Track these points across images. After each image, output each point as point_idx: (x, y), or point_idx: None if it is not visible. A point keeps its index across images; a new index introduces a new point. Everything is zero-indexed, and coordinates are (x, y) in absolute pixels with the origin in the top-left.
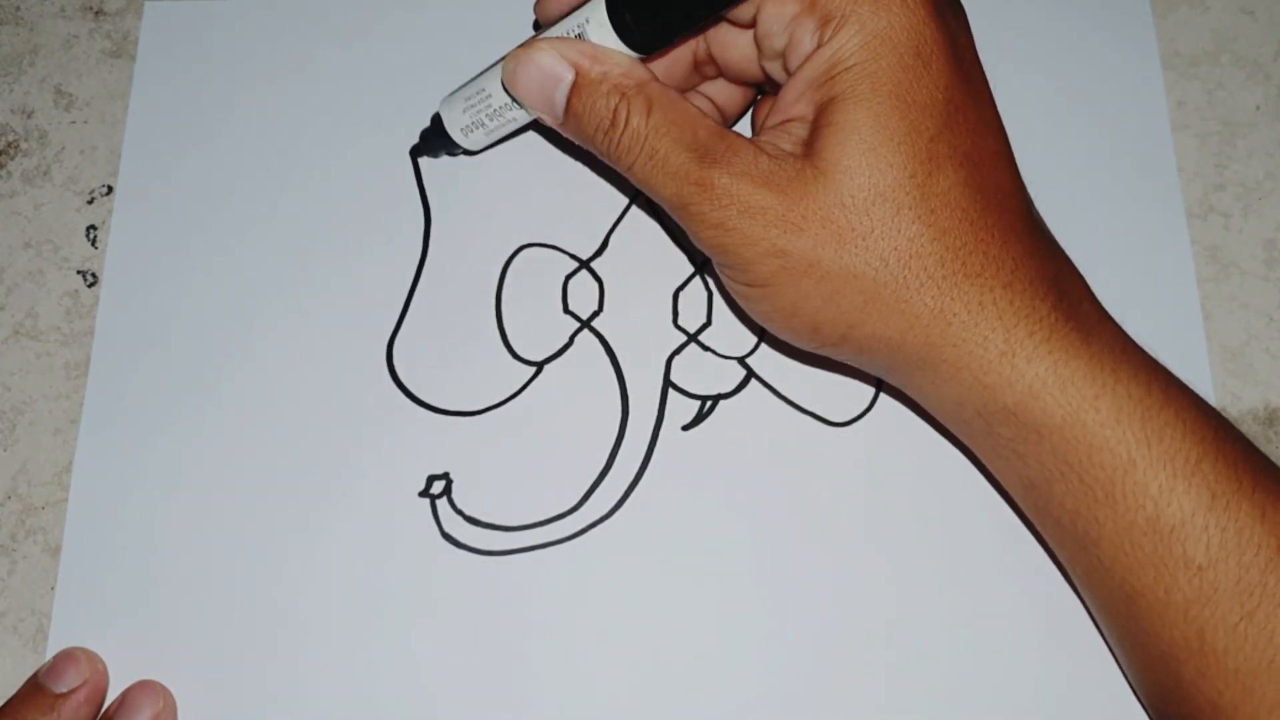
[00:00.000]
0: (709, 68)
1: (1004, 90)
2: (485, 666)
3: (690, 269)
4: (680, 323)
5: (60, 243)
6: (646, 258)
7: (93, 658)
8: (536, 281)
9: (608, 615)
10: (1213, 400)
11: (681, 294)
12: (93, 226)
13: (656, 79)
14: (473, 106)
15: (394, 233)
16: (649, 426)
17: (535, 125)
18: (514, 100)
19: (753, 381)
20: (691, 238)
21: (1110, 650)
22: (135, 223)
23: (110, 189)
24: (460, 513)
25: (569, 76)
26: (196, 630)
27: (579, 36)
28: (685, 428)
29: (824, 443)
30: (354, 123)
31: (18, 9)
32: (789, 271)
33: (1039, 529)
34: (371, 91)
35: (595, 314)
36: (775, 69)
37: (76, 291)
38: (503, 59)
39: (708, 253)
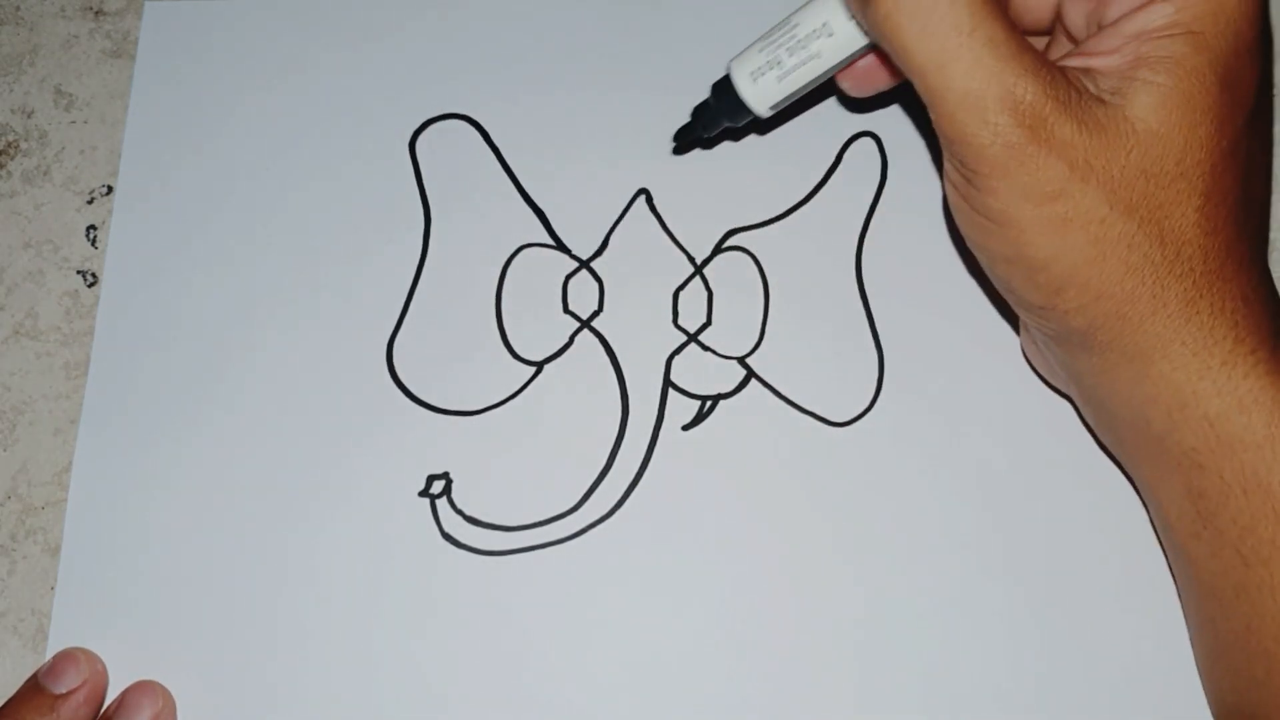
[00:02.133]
0: None
1: None
2: (485, 666)
3: (690, 269)
4: (680, 323)
5: (60, 243)
6: (646, 258)
7: (92, 658)
8: (536, 281)
9: (607, 615)
10: None
11: (681, 294)
12: (93, 226)
13: None
14: (771, 42)
15: (394, 233)
16: (649, 426)
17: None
18: (813, 31)
19: (753, 381)
20: (966, 147)
21: (1197, 662)
22: (135, 223)
23: (110, 189)
24: (460, 513)
25: None
26: (196, 630)
27: None
28: (685, 428)
29: (824, 443)
30: (354, 122)
31: (18, 9)
32: (1066, 219)
33: (1181, 533)
34: (371, 91)
35: (595, 314)
36: (1077, 12)
37: (76, 291)
38: None
39: (975, 175)
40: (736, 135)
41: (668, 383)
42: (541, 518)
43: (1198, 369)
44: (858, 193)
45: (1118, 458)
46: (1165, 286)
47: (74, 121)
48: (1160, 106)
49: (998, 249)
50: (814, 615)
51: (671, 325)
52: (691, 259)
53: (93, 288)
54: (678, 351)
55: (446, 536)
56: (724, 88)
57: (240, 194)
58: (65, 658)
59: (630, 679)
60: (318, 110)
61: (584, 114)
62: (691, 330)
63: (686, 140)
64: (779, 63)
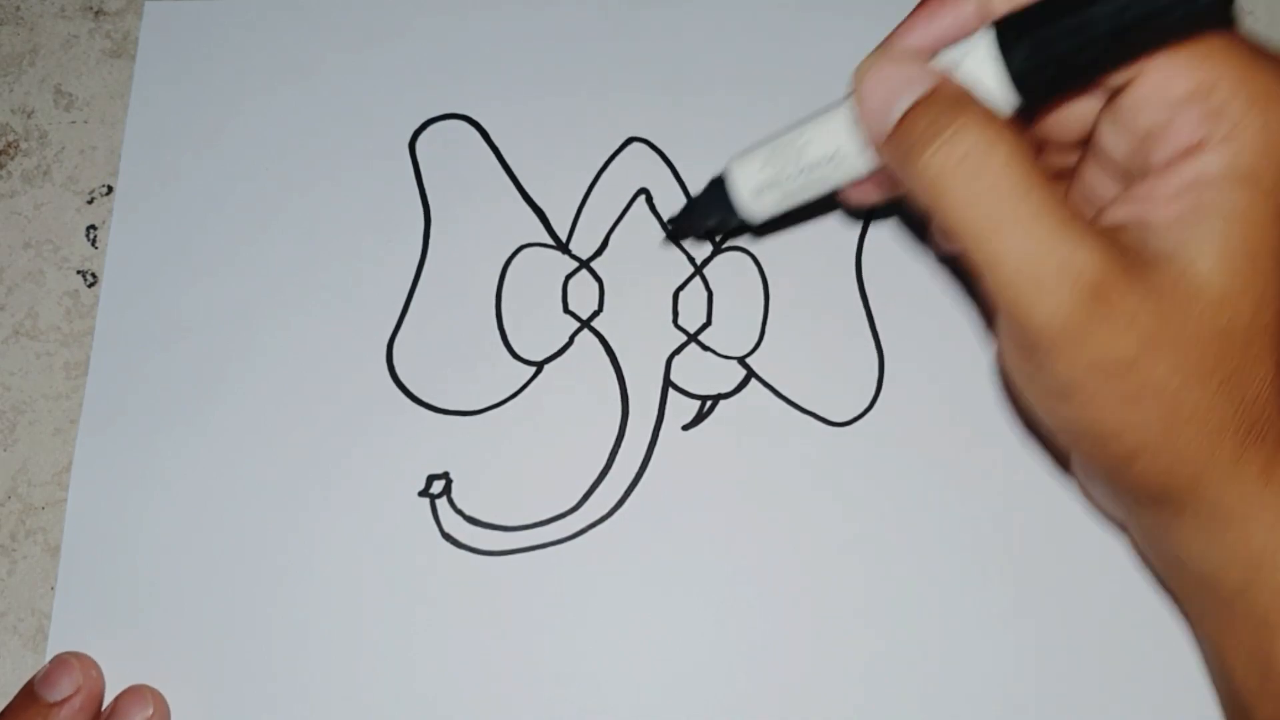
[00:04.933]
0: None
1: None
2: (485, 666)
3: (690, 269)
4: (680, 323)
5: (60, 243)
6: (646, 258)
7: (87, 664)
8: (536, 281)
9: (607, 615)
10: None
11: (681, 294)
12: (93, 226)
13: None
14: (777, 159)
15: (394, 233)
16: (649, 426)
17: (824, 204)
18: (824, 156)
19: (753, 381)
20: (1021, 328)
21: None
22: (135, 223)
23: (110, 189)
24: (460, 513)
25: (925, 84)
26: (197, 629)
27: None
28: (685, 428)
29: (824, 443)
30: (354, 122)
31: (18, 9)
32: (1138, 392)
33: (1247, 692)
34: (371, 91)
35: (595, 314)
36: (1123, 143)
37: (76, 291)
38: (827, 107)
39: (1035, 350)
40: (732, 232)
41: (668, 383)
42: (541, 518)
43: (1277, 537)
44: None
45: (1177, 604)
46: (1244, 450)
47: (74, 121)
48: (1226, 265)
49: (1063, 419)
50: (814, 615)
51: (671, 325)
52: (691, 259)
53: (93, 288)
54: (678, 351)
55: (446, 536)
56: (719, 191)
57: (240, 194)
58: (60, 664)
59: (630, 679)
60: (318, 110)
61: (584, 114)
62: (691, 330)
63: (680, 234)
64: (782, 182)
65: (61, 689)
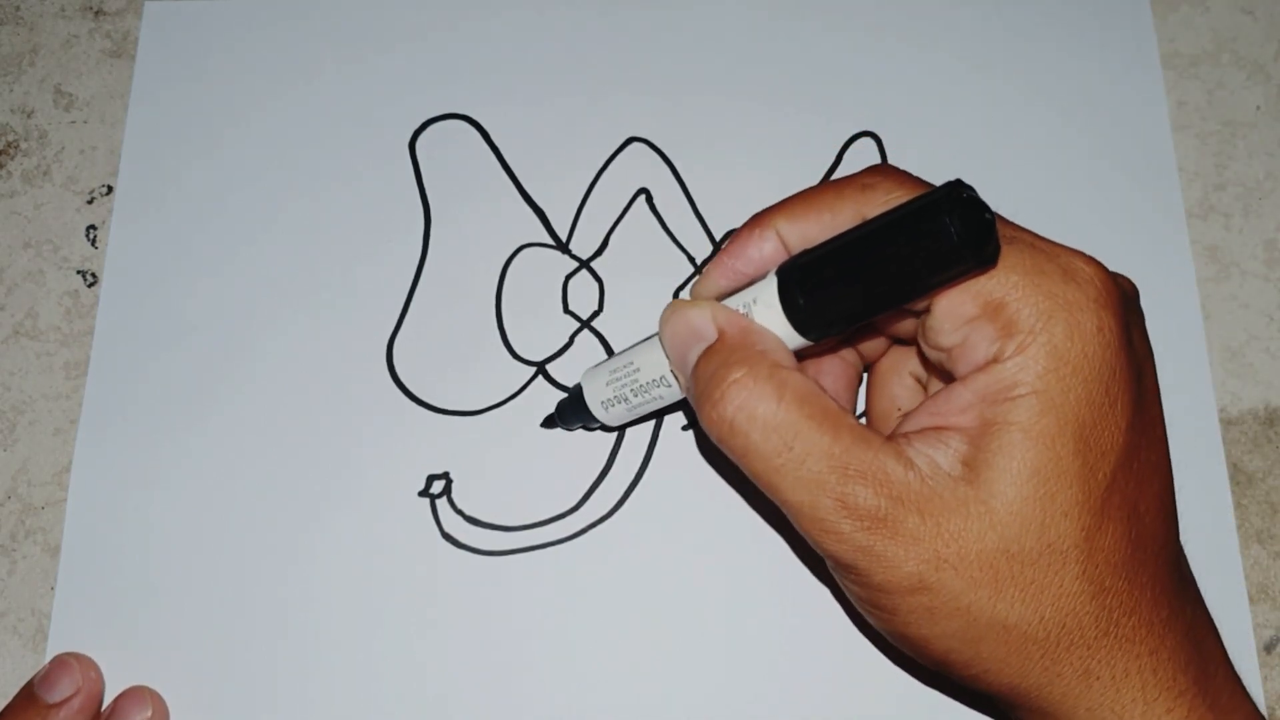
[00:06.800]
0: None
1: (1005, 90)
2: (485, 666)
3: (690, 269)
4: None
5: (60, 243)
6: (646, 258)
7: (87, 665)
8: (536, 281)
9: (608, 615)
10: (1212, 401)
11: (682, 294)
12: (93, 226)
13: (802, 372)
14: (617, 379)
15: (394, 233)
16: (649, 426)
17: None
18: (653, 380)
19: None
20: (817, 549)
21: None
22: (135, 223)
23: (110, 189)
24: (460, 513)
25: (711, 335)
26: (197, 629)
27: (745, 314)
28: (685, 428)
29: None
30: (354, 122)
31: (18, 9)
32: (931, 609)
33: None
34: (372, 91)
35: (595, 314)
36: (934, 354)
37: (76, 291)
38: (654, 334)
39: (836, 569)
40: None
41: None
42: (541, 518)
43: None
44: None
45: None
46: (1055, 660)
47: (74, 121)
48: (1012, 482)
49: (878, 625)
50: (814, 615)
51: None
52: (691, 259)
53: (93, 288)
54: None
55: (446, 536)
56: (578, 399)
57: (240, 194)
58: (60, 665)
59: (630, 679)
60: (317, 110)
61: (584, 113)
62: None
63: (551, 426)
64: (625, 399)
65: (61, 689)
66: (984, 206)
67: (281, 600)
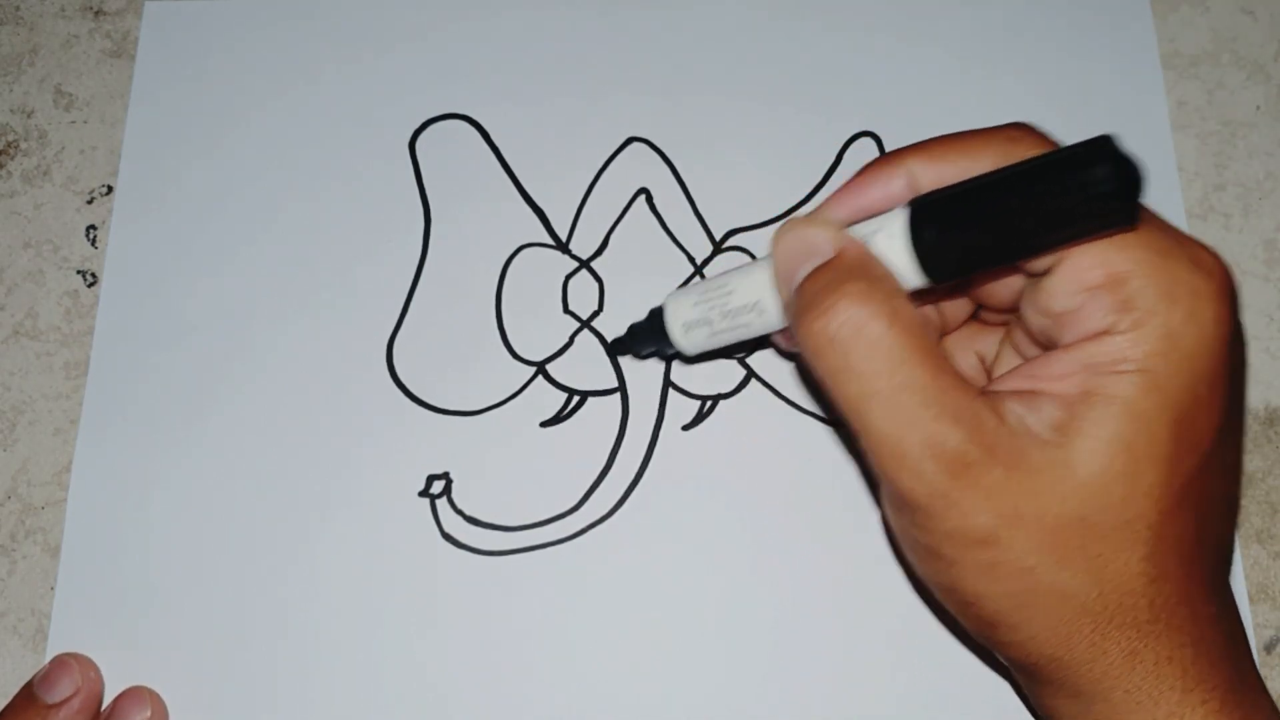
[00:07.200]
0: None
1: (1004, 90)
2: (485, 666)
3: (690, 269)
4: None
5: (60, 243)
6: (646, 258)
7: (86, 665)
8: (536, 281)
9: (608, 615)
10: None
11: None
12: (93, 226)
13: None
14: (706, 301)
15: (394, 233)
16: (649, 426)
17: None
18: (745, 305)
19: (753, 381)
20: (891, 485)
21: None
22: (135, 223)
23: (110, 189)
24: (460, 513)
25: (827, 253)
26: (197, 629)
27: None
28: (685, 428)
29: (824, 443)
30: (354, 122)
31: (18, 9)
32: (993, 565)
33: None
34: (371, 91)
35: (595, 314)
36: (1039, 320)
37: (76, 291)
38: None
39: (902, 508)
40: (670, 358)
41: (668, 383)
42: (541, 518)
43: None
44: None
45: None
46: (1104, 635)
47: (74, 121)
48: (1102, 453)
49: (929, 575)
50: (814, 615)
51: None
52: (691, 259)
53: (93, 288)
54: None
55: (446, 536)
56: (658, 322)
57: (240, 194)
58: (59, 665)
59: (630, 679)
60: (317, 110)
61: (583, 113)
62: None
63: (620, 352)
64: (710, 322)
65: (61, 690)
66: (1136, 162)
67: (281, 600)
